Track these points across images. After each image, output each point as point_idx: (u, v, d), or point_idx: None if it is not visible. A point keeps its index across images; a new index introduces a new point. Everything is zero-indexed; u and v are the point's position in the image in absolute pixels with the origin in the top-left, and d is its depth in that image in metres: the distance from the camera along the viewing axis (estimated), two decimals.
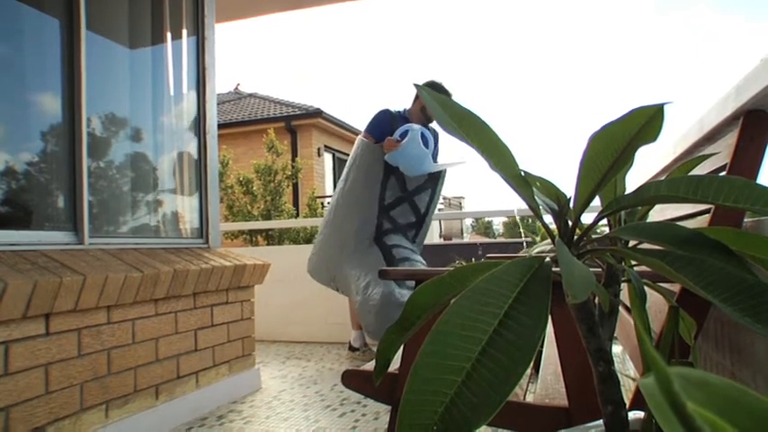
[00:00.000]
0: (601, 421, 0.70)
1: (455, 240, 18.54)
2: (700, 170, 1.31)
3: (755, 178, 1.07)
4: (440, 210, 20.75)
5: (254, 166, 11.45)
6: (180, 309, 2.61)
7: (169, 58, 3.07)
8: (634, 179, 2.35)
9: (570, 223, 0.62)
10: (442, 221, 16.35)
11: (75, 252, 2.26)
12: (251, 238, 10.90)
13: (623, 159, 0.53)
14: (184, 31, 3.15)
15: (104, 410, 2.19)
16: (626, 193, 0.67)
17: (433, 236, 14.69)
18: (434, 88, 3.60)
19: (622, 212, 0.69)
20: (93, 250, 2.35)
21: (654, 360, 0.27)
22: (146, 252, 2.60)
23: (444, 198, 22.62)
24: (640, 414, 0.73)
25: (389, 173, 3.61)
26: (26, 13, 2.34)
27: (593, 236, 0.66)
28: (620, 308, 1.65)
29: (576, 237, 0.62)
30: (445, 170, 3.78)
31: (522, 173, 0.64)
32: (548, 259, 0.58)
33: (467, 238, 21.71)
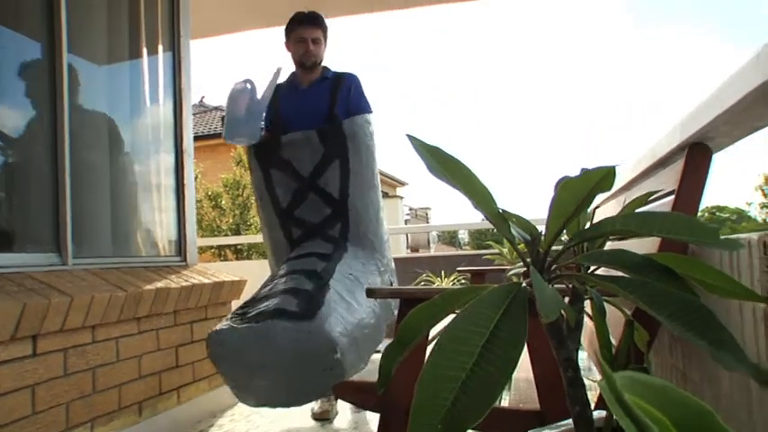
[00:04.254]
0: (570, 420, 0.82)
1: (422, 252, 18.72)
2: (656, 185, 1.45)
3: (699, 202, 1.21)
4: (406, 222, 20.95)
5: (223, 181, 11.45)
6: (161, 326, 2.67)
7: (146, 80, 3.13)
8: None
9: (542, 252, 0.74)
10: (408, 234, 16.51)
11: (59, 273, 2.31)
12: (219, 252, 10.88)
13: (584, 205, 0.65)
14: (161, 53, 3.22)
15: (90, 429, 2.24)
16: (587, 226, 0.80)
17: (400, 248, 14.81)
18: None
19: (585, 243, 0.81)
20: (76, 270, 2.41)
21: (603, 366, 0.38)
22: (127, 271, 2.66)
23: (411, 209, 22.80)
24: (603, 413, 0.86)
25: (266, 164, 2.82)
26: (8, 36, 2.40)
27: (561, 262, 0.78)
28: (586, 318, 1.79)
29: (546, 264, 0.74)
30: (356, 125, 2.76)
31: (500, 210, 0.76)
32: (524, 284, 0.70)
33: (433, 249, 21.93)
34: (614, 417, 0.80)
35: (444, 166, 0.74)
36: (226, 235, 10.80)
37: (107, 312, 2.28)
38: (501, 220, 0.74)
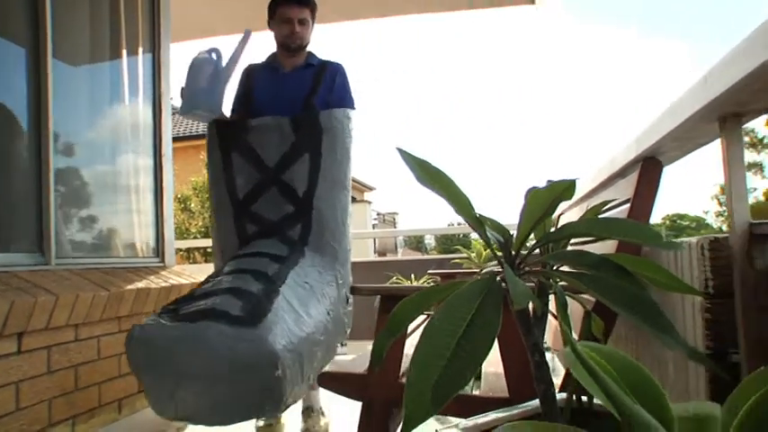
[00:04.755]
0: (536, 401, 0.94)
1: (390, 256, 18.83)
2: (615, 194, 1.60)
3: (651, 209, 1.35)
4: (374, 226, 21.05)
5: (192, 184, 11.41)
6: None
7: (126, 83, 3.18)
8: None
9: (513, 252, 0.85)
10: (376, 238, 16.63)
11: (43, 272, 2.36)
12: (189, 255, 10.83)
13: (549, 211, 0.77)
14: (141, 55, 3.27)
15: (71, 425, 2.29)
16: (552, 230, 0.91)
17: (368, 252, 14.91)
18: None
19: (550, 243, 0.93)
20: (59, 270, 2.45)
21: (567, 336, 0.50)
22: (108, 271, 2.71)
23: (379, 214, 22.93)
24: (565, 395, 0.98)
25: (228, 146, 2.50)
26: None
27: (529, 260, 0.90)
28: (550, 317, 1.92)
29: (517, 262, 0.86)
30: (335, 119, 2.50)
31: (478, 215, 0.87)
32: (498, 279, 0.81)
33: (400, 253, 22.07)
34: (573, 396, 0.93)
35: (430, 176, 0.86)
36: (195, 238, 10.76)
37: (90, 311, 2.34)
38: (478, 223, 0.86)
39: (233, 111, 2.63)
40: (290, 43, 2.61)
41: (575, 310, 1.53)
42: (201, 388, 1.83)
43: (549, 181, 0.82)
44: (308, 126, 2.46)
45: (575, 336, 1.15)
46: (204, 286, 2.08)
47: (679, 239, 1.09)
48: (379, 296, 4.13)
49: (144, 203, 3.22)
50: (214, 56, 2.42)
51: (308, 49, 2.69)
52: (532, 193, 0.77)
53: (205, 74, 2.37)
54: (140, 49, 3.26)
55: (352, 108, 2.62)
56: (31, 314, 2.05)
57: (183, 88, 2.39)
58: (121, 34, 3.15)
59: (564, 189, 0.72)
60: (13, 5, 2.48)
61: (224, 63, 2.43)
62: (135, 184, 3.19)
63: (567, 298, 0.98)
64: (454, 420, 1.60)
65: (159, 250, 3.25)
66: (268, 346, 1.77)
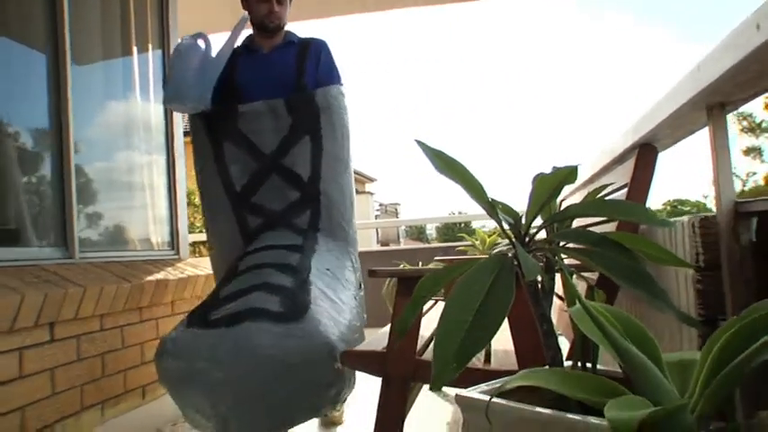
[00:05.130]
0: (547, 366, 1.04)
1: (393, 246, 18.94)
2: (614, 179, 1.70)
3: (647, 192, 1.44)
4: (376, 217, 21.19)
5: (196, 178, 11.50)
6: (160, 315, 2.84)
7: (137, 82, 3.28)
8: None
9: (523, 232, 0.96)
10: (378, 229, 16.74)
11: (68, 266, 2.47)
12: (194, 248, 10.95)
13: (554, 194, 0.87)
14: (151, 55, 3.36)
15: (101, 409, 2.41)
16: (557, 211, 1.02)
17: (371, 242, 15.02)
18: None
19: (555, 224, 1.03)
20: (82, 264, 2.56)
21: (575, 294, 0.60)
22: (127, 264, 2.82)
23: (381, 205, 23.05)
24: (570, 363, 1.08)
25: (218, 137, 2.35)
26: (16, 48, 2.54)
27: (537, 239, 1.00)
28: (556, 299, 2.03)
29: (526, 240, 0.96)
30: (331, 96, 2.38)
31: (491, 199, 0.97)
32: (510, 255, 0.92)
33: (403, 243, 22.21)
34: (578, 362, 1.03)
35: (448, 166, 0.96)
36: (200, 232, 10.88)
37: (114, 302, 2.45)
38: (491, 207, 0.96)
39: (214, 99, 2.40)
40: (269, 23, 2.47)
41: (579, 287, 1.63)
42: (253, 395, 1.65)
43: (554, 167, 0.92)
44: (304, 106, 2.33)
45: None
46: (225, 288, 1.90)
47: (672, 219, 1.19)
48: (389, 280, 4.21)
49: (158, 199, 3.33)
50: (201, 43, 2.26)
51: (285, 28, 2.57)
52: (539, 179, 0.87)
53: (192, 62, 2.22)
54: (150, 47, 3.35)
55: (341, 84, 2.49)
56: (62, 305, 2.16)
57: (166, 76, 2.30)
58: (131, 33, 3.24)
59: (567, 174, 0.82)
60: (34, 15, 2.58)
61: (213, 51, 2.29)
62: (149, 180, 3.29)
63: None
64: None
65: (174, 243, 3.36)
66: (323, 338, 1.66)
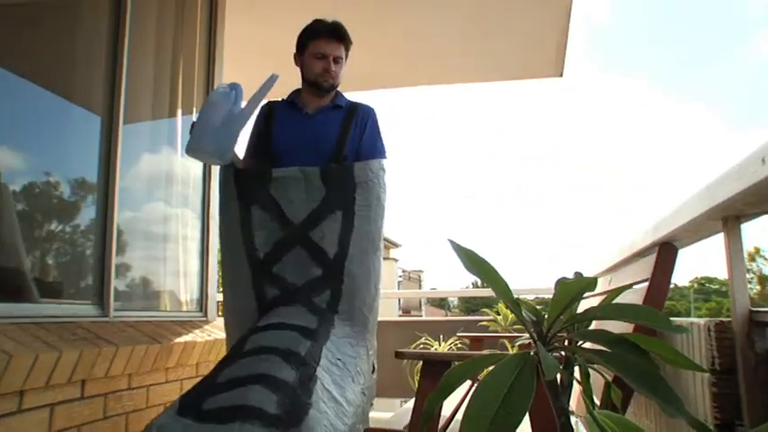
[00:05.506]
0: None
1: (414, 314, 18.84)
2: (636, 270, 1.75)
3: (667, 288, 1.50)
4: (399, 284, 21.16)
5: None
6: (185, 377, 2.90)
7: (179, 145, 3.45)
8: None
9: (545, 331, 1.02)
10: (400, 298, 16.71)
11: (102, 324, 2.56)
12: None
13: (575, 299, 0.94)
14: (195, 115, 3.54)
15: None
16: (578, 312, 1.08)
17: (393, 310, 14.96)
18: None
19: (576, 323, 1.09)
20: (116, 322, 2.65)
21: (588, 406, 0.66)
22: (157, 324, 2.91)
23: (404, 271, 23.04)
24: None
25: (248, 199, 2.25)
26: (75, 110, 2.73)
27: (557, 337, 1.06)
28: (575, 383, 2.06)
29: (548, 339, 1.03)
30: (371, 171, 2.26)
31: (516, 298, 1.05)
32: (532, 353, 0.98)
33: (424, 311, 22.08)
34: None
35: (476, 265, 1.04)
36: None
37: (143, 362, 2.52)
38: (516, 306, 1.03)
39: (248, 152, 2.37)
40: (323, 82, 2.33)
41: (598, 378, 1.67)
42: None
43: (576, 273, 1.00)
44: (340, 179, 2.20)
45: (596, 401, 1.29)
46: (227, 370, 1.74)
47: (689, 320, 1.24)
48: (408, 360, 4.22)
49: (191, 260, 3.44)
50: (233, 93, 2.17)
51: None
52: (561, 284, 0.94)
53: (220, 112, 2.12)
54: (195, 107, 3.54)
55: (384, 157, 2.37)
56: (95, 363, 2.24)
57: (194, 123, 2.17)
58: (179, 95, 3.44)
59: (587, 284, 0.89)
60: (95, 82, 2.78)
61: (242, 103, 2.17)
62: (183, 241, 3.42)
63: (590, 369, 1.14)
64: None
65: (203, 305, 3.45)
66: None
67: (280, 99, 2.43)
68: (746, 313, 1.10)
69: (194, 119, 2.28)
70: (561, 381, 1.09)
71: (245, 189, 2.25)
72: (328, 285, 2.14)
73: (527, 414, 1.61)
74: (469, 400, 0.86)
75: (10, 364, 1.80)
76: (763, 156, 0.82)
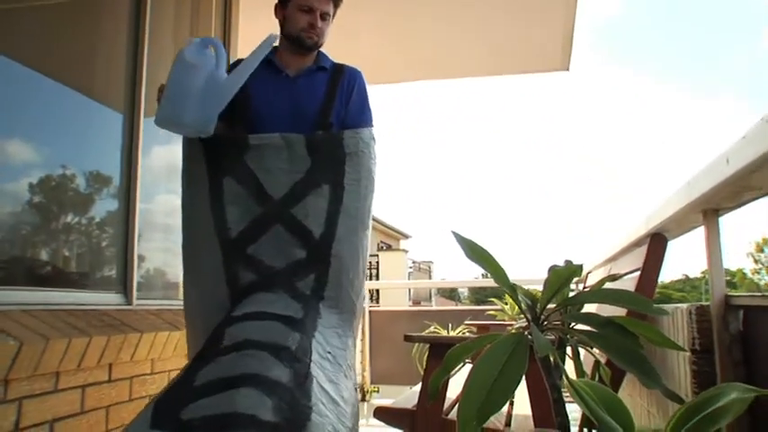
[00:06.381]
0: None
1: (424, 305, 19.00)
2: (631, 259, 1.86)
3: (657, 276, 1.61)
4: (409, 275, 21.27)
5: None
6: None
7: None
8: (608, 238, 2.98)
9: (539, 313, 1.14)
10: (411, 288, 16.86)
11: (126, 311, 2.70)
12: None
13: (565, 284, 1.06)
14: None
15: None
16: (570, 295, 1.19)
17: (403, 300, 15.13)
18: None
19: (569, 306, 1.21)
20: (139, 310, 2.79)
21: (567, 378, 0.78)
22: (177, 312, 3.04)
23: (414, 262, 23.18)
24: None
25: (218, 169, 1.95)
26: (96, 107, 2.86)
27: (551, 320, 1.18)
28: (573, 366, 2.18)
29: (541, 321, 1.14)
30: (362, 141, 2.01)
31: (512, 283, 1.16)
32: (526, 333, 1.10)
33: (434, 301, 22.25)
34: (585, 429, 1.19)
35: (476, 254, 1.15)
36: None
37: (165, 348, 2.66)
38: (512, 290, 1.15)
39: (220, 118, 1.92)
40: (306, 39, 2.04)
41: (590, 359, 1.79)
42: None
43: (566, 261, 1.11)
44: (329, 149, 1.96)
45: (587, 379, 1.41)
46: (204, 370, 1.44)
47: (673, 306, 1.36)
48: (419, 344, 4.33)
49: None
50: (212, 53, 1.84)
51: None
52: (553, 271, 1.06)
53: (200, 75, 1.80)
54: None
55: (372, 125, 2.13)
56: (121, 348, 2.38)
57: (163, 87, 1.85)
58: None
59: (575, 270, 1.01)
60: (117, 79, 2.91)
61: (221, 62, 1.85)
62: None
63: (581, 349, 1.25)
64: None
65: None
66: None
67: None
68: (722, 298, 1.21)
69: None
70: (554, 359, 1.20)
71: (215, 158, 1.94)
72: (313, 269, 1.88)
73: (527, 390, 1.73)
74: (468, 376, 0.98)
75: (48, 346, 1.94)
76: (728, 157, 0.93)
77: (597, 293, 1.15)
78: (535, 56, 5.10)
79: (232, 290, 1.86)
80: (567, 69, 5.26)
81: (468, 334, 4.26)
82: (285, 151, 1.94)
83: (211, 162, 1.96)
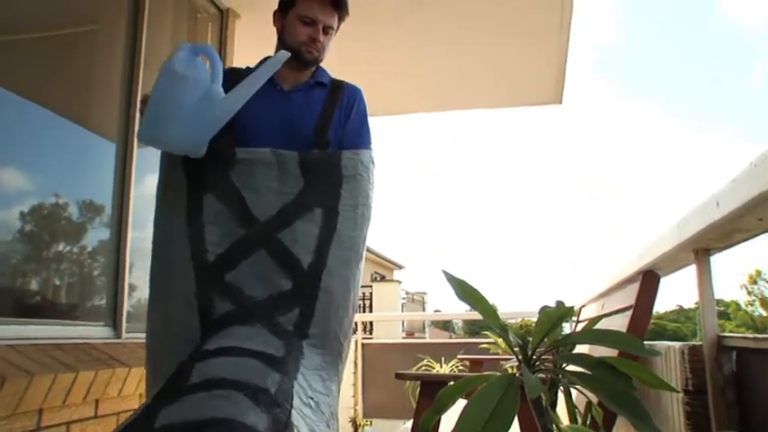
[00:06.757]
0: None
1: (418, 336, 18.87)
2: (623, 296, 1.86)
3: (650, 313, 1.60)
4: (402, 306, 21.10)
5: None
6: None
7: None
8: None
9: (530, 353, 1.13)
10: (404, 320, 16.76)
11: (115, 345, 2.66)
12: None
13: (556, 324, 1.05)
14: None
15: None
16: (564, 332, 1.19)
17: (397, 331, 15.04)
18: None
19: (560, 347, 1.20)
20: (128, 343, 2.76)
21: (557, 422, 0.77)
22: None
23: (407, 293, 23.04)
24: None
25: (199, 185, 1.73)
26: (90, 137, 2.87)
27: (542, 360, 1.16)
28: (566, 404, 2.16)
29: (532, 361, 1.13)
30: (361, 164, 1.82)
31: (503, 323, 1.15)
32: (517, 375, 1.08)
33: (428, 333, 22.06)
34: None
35: (467, 293, 1.14)
36: None
37: None
38: (503, 330, 1.14)
39: None
40: (306, 53, 1.87)
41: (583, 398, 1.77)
42: None
43: (557, 301, 1.11)
44: (324, 170, 1.77)
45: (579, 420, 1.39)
46: (166, 410, 1.23)
47: (666, 344, 1.35)
48: (410, 382, 4.28)
49: None
50: (206, 64, 1.65)
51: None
52: (543, 312, 1.05)
53: (192, 90, 1.58)
54: None
55: (371, 147, 1.95)
56: (108, 383, 2.34)
57: (146, 98, 1.63)
58: None
59: (565, 311, 1.00)
60: (111, 109, 2.93)
61: (216, 77, 1.62)
62: None
63: (573, 390, 1.24)
64: None
65: None
66: None
67: (244, 67, 1.93)
68: (715, 338, 1.21)
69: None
70: (545, 400, 1.19)
71: (197, 170, 1.73)
72: (298, 302, 1.66)
73: (519, 430, 1.71)
74: (459, 417, 0.96)
75: (32, 383, 1.90)
76: (718, 200, 0.93)
77: (588, 334, 1.14)
78: (527, 90, 5.17)
79: (204, 321, 1.63)
80: (560, 103, 5.32)
81: (461, 368, 4.22)
82: (276, 169, 1.74)
83: (192, 174, 1.73)
